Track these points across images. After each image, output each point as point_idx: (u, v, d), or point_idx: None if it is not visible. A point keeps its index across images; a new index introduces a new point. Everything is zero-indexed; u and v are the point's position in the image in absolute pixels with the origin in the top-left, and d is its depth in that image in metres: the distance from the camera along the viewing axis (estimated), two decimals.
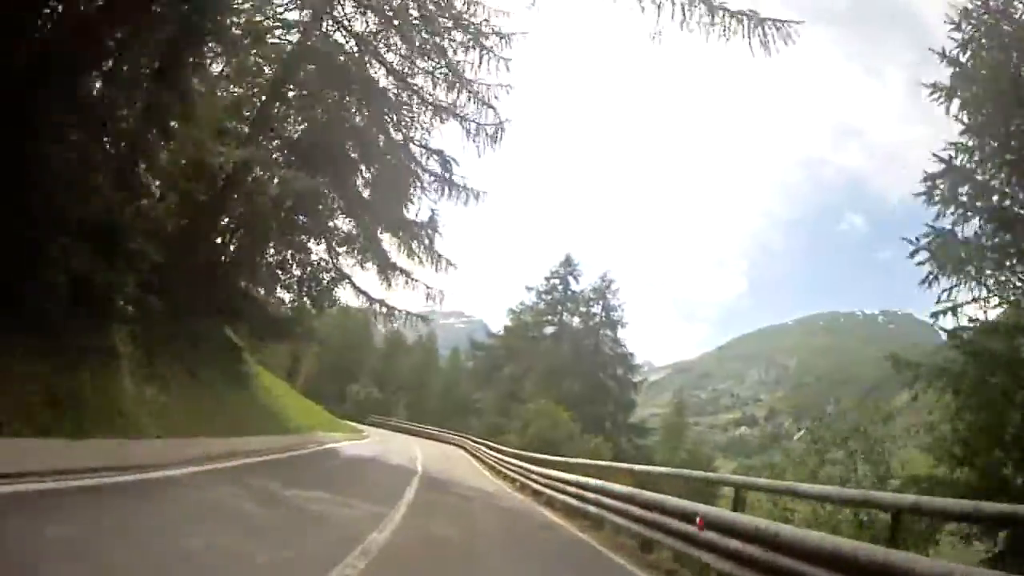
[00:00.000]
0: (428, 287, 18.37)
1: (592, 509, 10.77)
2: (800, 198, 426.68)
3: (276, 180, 15.57)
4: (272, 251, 17.76)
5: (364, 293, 18.98)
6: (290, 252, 17.34)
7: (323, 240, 18.18)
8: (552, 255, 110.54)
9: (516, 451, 24.37)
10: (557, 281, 52.56)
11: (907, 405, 12.05)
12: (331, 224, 18.26)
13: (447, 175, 17.64)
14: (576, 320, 51.54)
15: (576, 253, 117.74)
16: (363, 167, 18.02)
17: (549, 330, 52.66)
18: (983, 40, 12.38)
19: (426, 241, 18.19)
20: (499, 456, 24.44)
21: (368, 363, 62.98)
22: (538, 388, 41.02)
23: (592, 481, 11.30)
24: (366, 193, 18.13)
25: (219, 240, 16.69)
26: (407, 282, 18.37)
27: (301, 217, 16.93)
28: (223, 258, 16.59)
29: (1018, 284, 11.63)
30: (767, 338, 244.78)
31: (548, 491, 14.03)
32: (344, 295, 19.05)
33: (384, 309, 19.05)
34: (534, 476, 16.12)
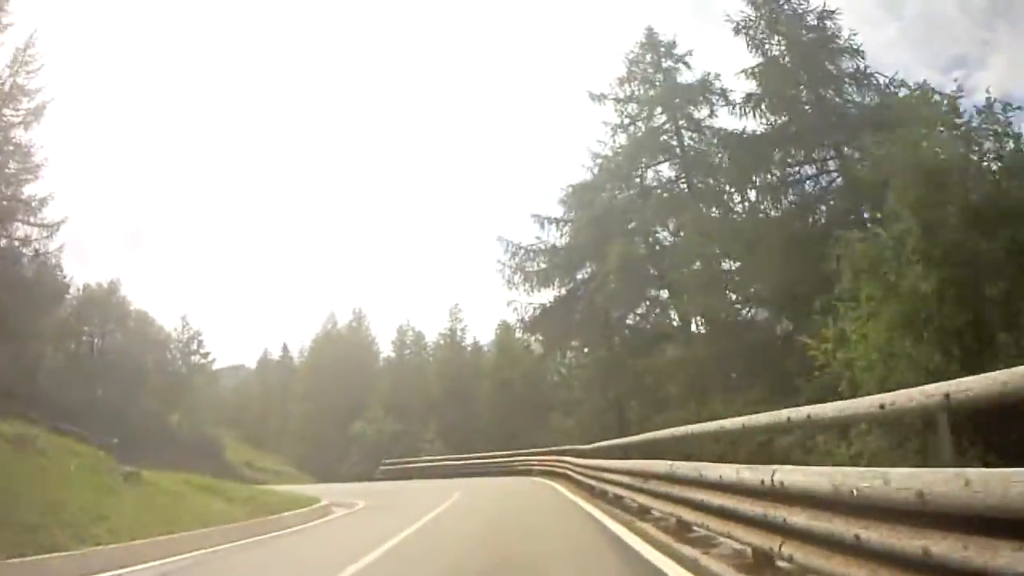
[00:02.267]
0: None
1: None
2: None
3: None
4: None
5: None
6: None
7: None
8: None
9: None
10: (650, 70, 24.44)
11: None
12: None
13: None
14: (705, 134, 22.70)
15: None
16: None
17: (663, 171, 24.31)
18: None
19: None
20: None
21: (378, 389, 40.95)
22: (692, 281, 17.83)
23: None
24: None
25: None
26: None
27: None
28: None
29: None
30: None
31: None
32: None
33: None
34: None
